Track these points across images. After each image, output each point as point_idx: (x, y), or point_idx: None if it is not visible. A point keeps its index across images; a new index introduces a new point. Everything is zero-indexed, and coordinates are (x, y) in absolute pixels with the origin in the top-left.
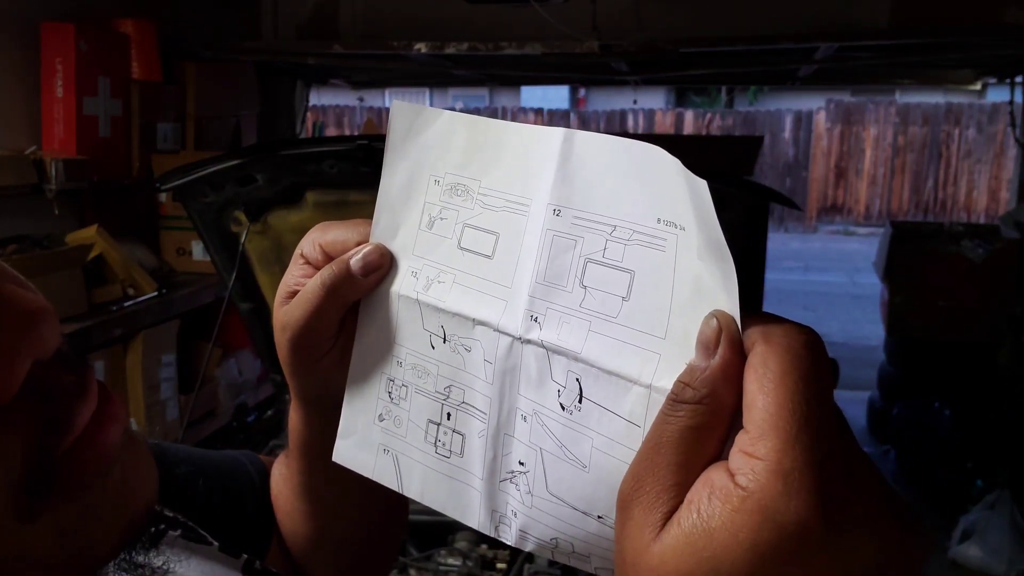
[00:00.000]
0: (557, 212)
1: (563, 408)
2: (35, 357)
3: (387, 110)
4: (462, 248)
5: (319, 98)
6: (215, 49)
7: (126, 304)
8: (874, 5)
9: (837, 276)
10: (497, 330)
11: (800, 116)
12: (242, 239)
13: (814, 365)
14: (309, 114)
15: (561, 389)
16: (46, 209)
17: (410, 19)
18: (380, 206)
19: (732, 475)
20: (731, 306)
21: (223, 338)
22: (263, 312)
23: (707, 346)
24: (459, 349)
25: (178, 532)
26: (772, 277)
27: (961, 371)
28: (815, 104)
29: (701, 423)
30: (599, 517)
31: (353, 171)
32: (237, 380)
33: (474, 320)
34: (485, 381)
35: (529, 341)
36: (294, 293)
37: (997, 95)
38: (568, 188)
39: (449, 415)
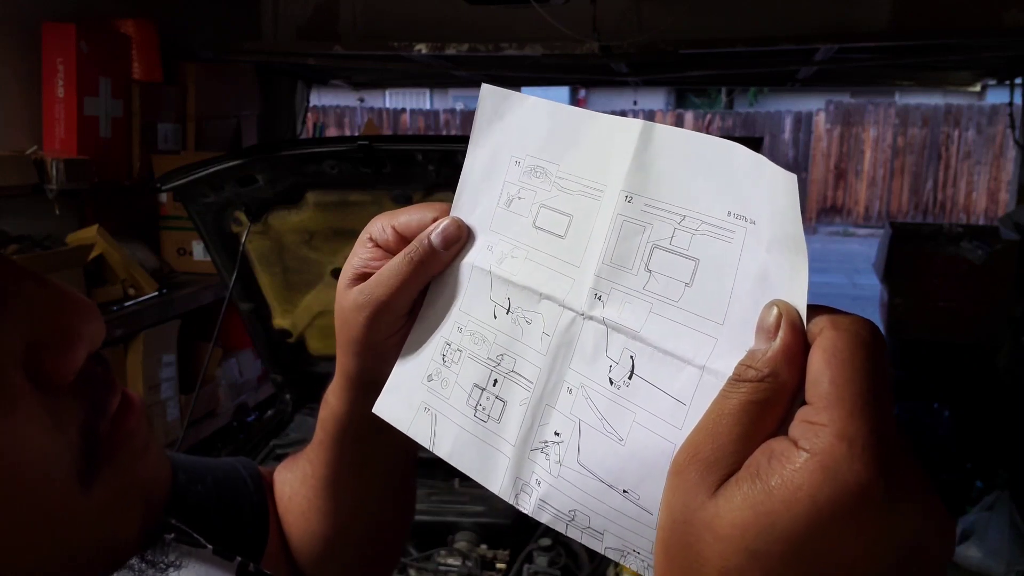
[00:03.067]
0: (629, 199)
1: (611, 383)
2: (90, 347)
3: (387, 111)
4: (537, 227)
5: (319, 98)
6: (216, 49)
7: (127, 304)
8: (874, 6)
9: (837, 277)
10: (563, 305)
11: (800, 117)
12: (242, 239)
13: (878, 350)
14: (310, 115)
15: (613, 365)
16: (47, 209)
17: (410, 20)
18: (463, 183)
19: (794, 442)
20: (798, 298)
21: (223, 338)
22: (263, 312)
23: (767, 331)
24: (520, 321)
25: (172, 535)
26: None
27: (960, 372)
28: (815, 105)
29: (762, 399)
30: (624, 491)
31: (353, 171)
32: (237, 380)
33: (541, 294)
34: (539, 352)
35: (591, 318)
36: (363, 275)
37: (996, 97)
38: (642, 177)
39: (496, 381)
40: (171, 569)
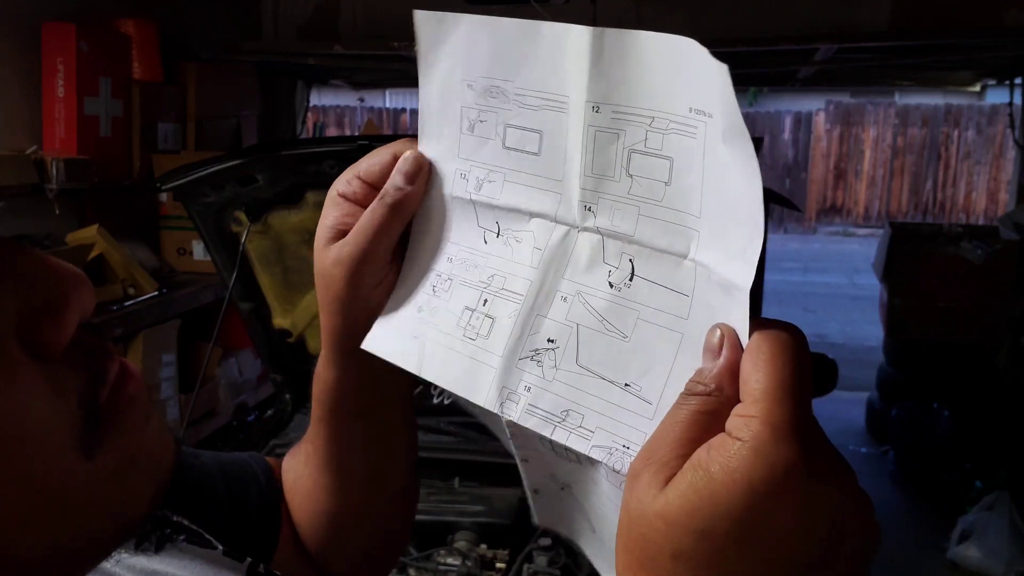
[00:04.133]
0: (596, 108)
1: (612, 286)
2: (81, 314)
3: (387, 111)
4: (507, 148)
5: (320, 98)
6: (216, 49)
7: (126, 304)
8: (874, 7)
9: (836, 277)
10: (555, 221)
11: (800, 117)
12: (242, 239)
13: (798, 351)
14: (310, 114)
15: (613, 270)
16: (47, 209)
17: (410, 20)
18: (422, 115)
19: (729, 433)
20: (751, 188)
21: (223, 338)
22: (263, 312)
23: (712, 351)
24: (511, 241)
25: (183, 537)
26: (771, 278)
27: (960, 372)
28: (815, 105)
29: (709, 410)
30: (625, 385)
31: None
32: (237, 380)
33: (530, 213)
34: (530, 267)
35: (586, 229)
36: (340, 232)
37: (996, 97)
38: (604, 84)
39: (485, 301)
40: (178, 563)
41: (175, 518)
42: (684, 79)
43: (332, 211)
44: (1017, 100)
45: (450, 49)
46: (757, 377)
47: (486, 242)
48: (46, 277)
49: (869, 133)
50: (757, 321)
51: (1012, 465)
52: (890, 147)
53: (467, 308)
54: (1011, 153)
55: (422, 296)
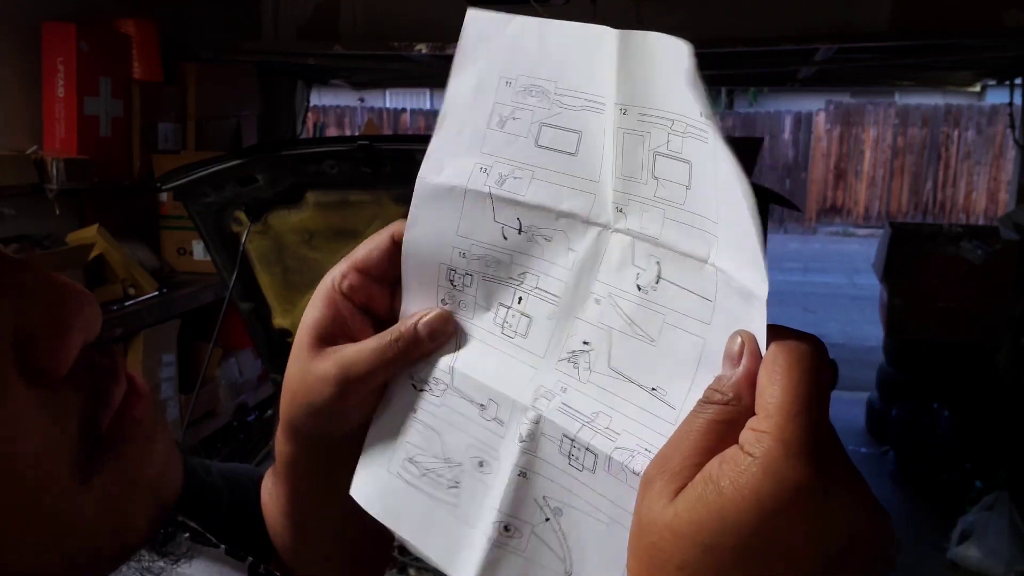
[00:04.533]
0: (624, 111)
1: (639, 289)
2: (85, 336)
3: (387, 111)
4: (540, 146)
5: (320, 98)
6: (216, 49)
7: (127, 304)
8: (874, 7)
9: (836, 277)
10: (587, 221)
11: (800, 117)
12: (243, 239)
13: (815, 363)
14: (310, 114)
15: (641, 272)
16: (47, 209)
17: (410, 20)
18: (446, 108)
19: (741, 447)
20: (745, 196)
21: (223, 338)
22: (263, 312)
23: (732, 359)
24: (537, 239)
25: (186, 535)
26: (771, 278)
27: (960, 372)
28: (815, 105)
29: (727, 419)
30: (652, 389)
31: (354, 171)
32: (237, 380)
33: (558, 212)
34: (564, 268)
35: (617, 230)
36: (327, 336)
37: (996, 97)
38: (630, 86)
39: (520, 299)
40: (182, 560)
41: (179, 518)
42: (695, 83)
43: (322, 307)
44: (1017, 100)
45: (494, 46)
46: (772, 391)
47: (506, 238)
48: (48, 297)
49: (869, 133)
50: (776, 330)
51: (1012, 465)
52: (890, 147)
53: (502, 304)
54: (1011, 153)
55: (441, 290)
